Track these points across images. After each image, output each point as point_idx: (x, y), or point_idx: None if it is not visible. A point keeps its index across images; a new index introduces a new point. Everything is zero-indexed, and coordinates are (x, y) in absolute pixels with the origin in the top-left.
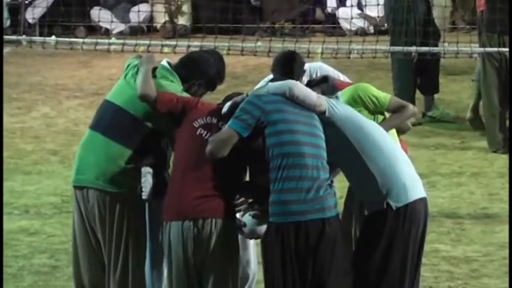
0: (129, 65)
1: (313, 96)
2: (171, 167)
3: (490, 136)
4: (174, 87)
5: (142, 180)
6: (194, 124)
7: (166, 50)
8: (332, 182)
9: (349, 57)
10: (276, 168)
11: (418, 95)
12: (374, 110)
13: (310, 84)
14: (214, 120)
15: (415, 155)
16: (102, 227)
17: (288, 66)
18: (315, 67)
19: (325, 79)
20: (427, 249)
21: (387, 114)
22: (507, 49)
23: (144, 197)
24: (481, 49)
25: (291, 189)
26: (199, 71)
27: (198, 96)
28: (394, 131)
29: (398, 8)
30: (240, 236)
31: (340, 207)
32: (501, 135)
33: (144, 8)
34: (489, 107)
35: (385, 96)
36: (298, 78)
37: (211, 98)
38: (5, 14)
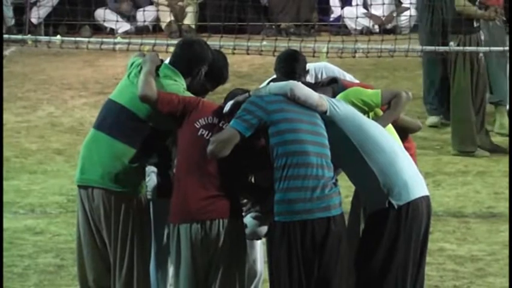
0: (132, 63)
1: (314, 96)
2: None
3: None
4: (177, 86)
5: (147, 179)
6: (196, 125)
7: (171, 49)
8: (336, 180)
9: (354, 57)
10: (280, 167)
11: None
12: (370, 110)
13: (319, 85)
14: (216, 120)
15: (420, 154)
16: (108, 227)
17: (289, 65)
18: (320, 67)
19: (334, 80)
20: (433, 248)
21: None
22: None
23: (148, 197)
24: (486, 48)
25: (297, 188)
26: (196, 57)
27: (206, 87)
28: (392, 128)
29: (428, 6)
30: None
31: (346, 206)
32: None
33: (149, 9)
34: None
35: (377, 93)
36: (299, 77)
37: (216, 98)
38: (10, 13)
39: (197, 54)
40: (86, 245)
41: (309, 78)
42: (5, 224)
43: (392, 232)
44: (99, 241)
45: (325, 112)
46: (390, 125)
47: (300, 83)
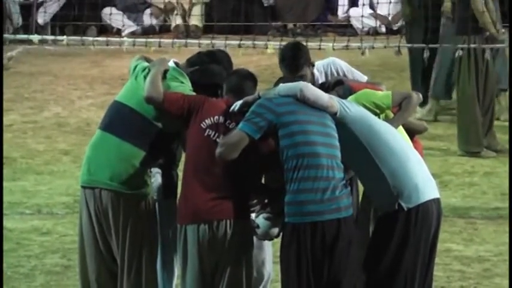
0: (135, 66)
1: (324, 97)
2: (179, 167)
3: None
4: (183, 87)
5: (152, 180)
6: (202, 125)
7: (177, 49)
8: (347, 181)
9: (363, 54)
10: (291, 169)
11: None
12: (381, 112)
13: (325, 87)
14: (222, 120)
15: (427, 154)
16: (116, 228)
17: (293, 51)
18: (328, 63)
19: (340, 82)
20: (439, 249)
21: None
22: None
23: (153, 197)
24: (493, 46)
25: (307, 190)
26: (214, 85)
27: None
28: (403, 130)
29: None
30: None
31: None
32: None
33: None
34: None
35: (387, 95)
36: (304, 64)
37: None
38: (18, 14)
39: (212, 80)
40: (89, 246)
41: (318, 75)
42: (12, 225)
43: (402, 234)
44: (102, 242)
45: (336, 113)
46: (401, 127)
47: (309, 84)
